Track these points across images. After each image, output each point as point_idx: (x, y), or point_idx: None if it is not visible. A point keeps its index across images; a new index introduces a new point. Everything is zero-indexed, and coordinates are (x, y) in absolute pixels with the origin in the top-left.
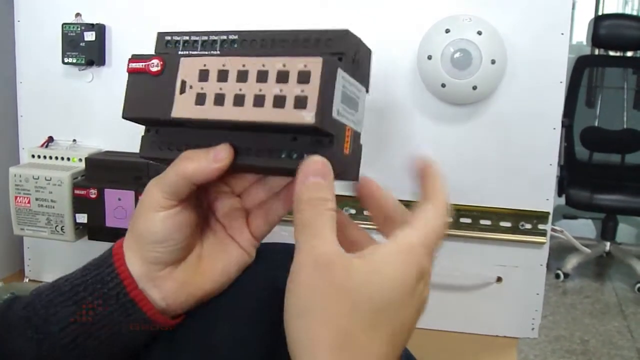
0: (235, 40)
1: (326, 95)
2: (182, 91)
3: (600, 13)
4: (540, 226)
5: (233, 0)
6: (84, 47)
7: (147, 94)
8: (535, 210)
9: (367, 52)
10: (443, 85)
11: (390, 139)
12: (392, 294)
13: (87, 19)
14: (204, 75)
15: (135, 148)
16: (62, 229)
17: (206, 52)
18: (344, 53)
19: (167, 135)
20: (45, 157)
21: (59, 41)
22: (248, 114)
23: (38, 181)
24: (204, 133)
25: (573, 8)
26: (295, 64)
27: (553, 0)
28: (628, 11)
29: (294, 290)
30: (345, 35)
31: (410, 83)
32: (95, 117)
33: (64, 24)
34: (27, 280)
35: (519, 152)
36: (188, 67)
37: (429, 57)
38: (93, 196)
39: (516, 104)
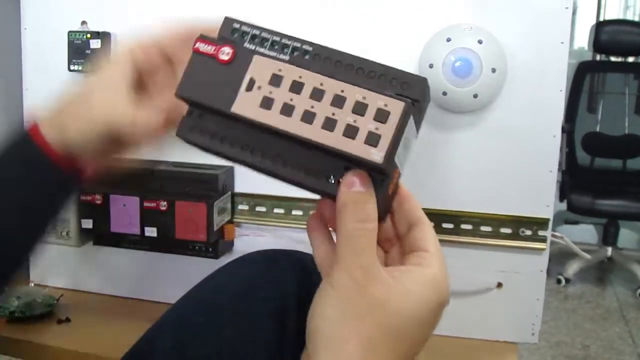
0: (309, 52)
1: (397, 139)
2: (249, 89)
3: (601, 19)
4: (541, 232)
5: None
6: (90, 54)
7: (209, 79)
8: (535, 216)
9: (428, 101)
10: (444, 94)
11: None
12: (419, 316)
13: (93, 26)
14: (276, 81)
15: (140, 154)
16: (67, 234)
17: (274, 55)
18: (418, 101)
19: (211, 123)
20: None
21: (65, 49)
22: (315, 133)
23: None
24: (251, 133)
25: (574, 14)
26: (375, 100)
27: (553, 10)
28: (629, 17)
29: (332, 294)
30: (424, 84)
31: None
32: None
33: (70, 32)
34: (32, 285)
35: (519, 159)
36: (260, 67)
37: (431, 66)
38: (98, 202)
39: (516, 112)
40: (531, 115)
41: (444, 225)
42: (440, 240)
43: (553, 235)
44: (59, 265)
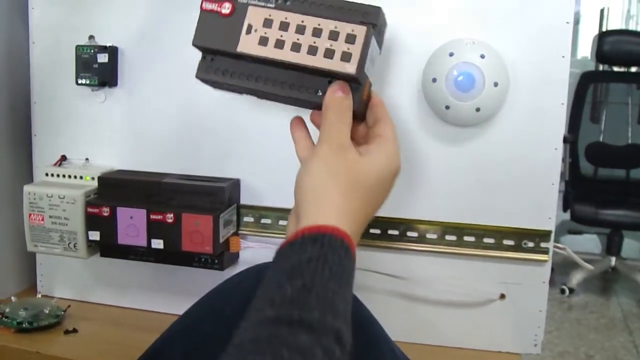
0: (290, 1)
1: (364, 54)
2: (248, 32)
3: (604, 29)
4: (543, 244)
5: None
6: (97, 68)
7: (216, 29)
8: (537, 228)
9: (386, 24)
10: (447, 107)
11: None
12: (378, 176)
13: (101, 41)
14: (268, 23)
15: (146, 167)
16: (74, 246)
17: (263, 4)
18: (376, 25)
19: (222, 64)
20: (58, 175)
21: (72, 63)
22: (302, 58)
23: (52, 199)
24: (254, 67)
25: (577, 23)
26: (345, 27)
27: (554, 24)
28: (632, 26)
29: (315, 160)
30: (379, 11)
31: (416, 105)
32: (107, 136)
33: (77, 46)
34: (39, 296)
35: (521, 172)
36: (255, 14)
37: (434, 80)
38: (105, 214)
39: (519, 125)
40: (533, 129)
41: (447, 237)
42: (443, 252)
43: (556, 246)
44: (66, 276)
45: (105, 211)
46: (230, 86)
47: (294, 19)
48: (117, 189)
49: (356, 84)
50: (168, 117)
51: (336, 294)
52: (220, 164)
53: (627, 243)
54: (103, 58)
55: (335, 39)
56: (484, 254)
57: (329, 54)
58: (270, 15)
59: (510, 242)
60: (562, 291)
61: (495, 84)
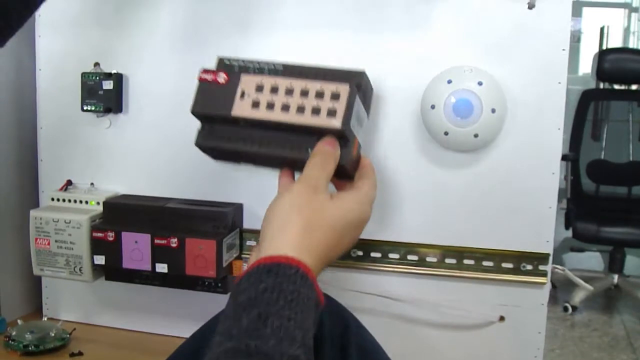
0: (279, 70)
1: (349, 110)
2: (242, 98)
3: (604, 47)
4: (541, 267)
5: (244, 50)
6: (102, 95)
7: (213, 97)
8: (535, 251)
9: (372, 90)
10: (446, 134)
11: (396, 184)
12: (350, 220)
13: (106, 68)
14: (260, 88)
15: (151, 192)
16: (80, 270)
17: (255, 73)
18: (360, 85)
19: (220, 130)
20: (64, 200)
21: (78, 89)
22: (291, 117)
23: (58, 224)
24: (249, 131)
25: (578, 41)
26: (329, 87)
27: (550, 51)
28: (634, 41)
29: (286, 194)
30: (362, 74)
31: (415, 131)
32: (112, 161)
33: (83, 73)
34: (45, 318)
35: (519, 196)
36: (247, 82)
37: (432, 107)
38: (110, 239)
39: (516, 150)
40: (530, 154)
41: (447, 260)
42: (444, 276)
43: (555, 268)
44: (71, 299)
45: (110, 236)
46: (228, 154)
47: (283, 83)
48: (122, 213)
49: (344, 139)
50: (172, 142)
51: (292, 321)
52: (223, 189)
53: (630, 260)
54: (108, 85)
55: (321, 98)
56: (484, 276)
57: (316, 111)
58: (261, 82)
59: (509, 265)
60: (565, 309)
61: (493, 111)
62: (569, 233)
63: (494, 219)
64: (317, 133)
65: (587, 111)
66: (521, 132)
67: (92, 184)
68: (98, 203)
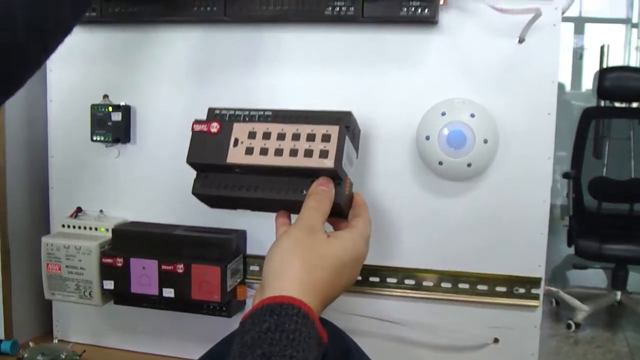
0: (270, 116)
1: (340, 150)
2: (235, 145)
3: (605, 66)
4: (534, 290)
5: (242, 90)
6: (111, 126)
7: (207, 146)
8: (528, 276)
9: (359, 130)
10: (440, 163)
11: (394, 211)
12: (346, 259)
13: (114, 100)
14: (252, 135)
15: (157, 218)
16: (90, 294)
17: (247, 120)
18: (349, 127)
19: (216, 178)
20: (74, 227)
21: (88, 120)
22: (285, 160)
23: (68, 250)
24: (244, 177)
25: (581, 58)
26: (320, 129)
27: (540, 83)
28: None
29: (284, 237)
30: (349, 116)
31: (411, 160)
32: (120, 189)
33: (92, 105)
34: (56, 341)
35: (512, 222)
36: (239, 129)
37: (427, 138)
38: (119, 265)
39: (508, 179)
40: (522, 182)
41: (443, 284)
42: (440, 299)
43: (548, 289)
44: (82, 322)
45: (119, 262)
46: (225, 200)
47: (275, 128)
48: (130, 240)
49: (337, 179)
50: (177, 171)
51: (294, 359)
52: (227, 216)
53: (633, 277)
54: (117, 116)
55: (313, 140)
56: (478, 300)
57: (309, 153)
58: (253, 129)
59: (503, 289)
60: (569, 326)
61: (485, 141)
62: (572, 250)
63: (488, 244)
64: (311, 174)
65: (589, 129)
66: (513, 162)
67: (101, 211)
68: (107, 230)
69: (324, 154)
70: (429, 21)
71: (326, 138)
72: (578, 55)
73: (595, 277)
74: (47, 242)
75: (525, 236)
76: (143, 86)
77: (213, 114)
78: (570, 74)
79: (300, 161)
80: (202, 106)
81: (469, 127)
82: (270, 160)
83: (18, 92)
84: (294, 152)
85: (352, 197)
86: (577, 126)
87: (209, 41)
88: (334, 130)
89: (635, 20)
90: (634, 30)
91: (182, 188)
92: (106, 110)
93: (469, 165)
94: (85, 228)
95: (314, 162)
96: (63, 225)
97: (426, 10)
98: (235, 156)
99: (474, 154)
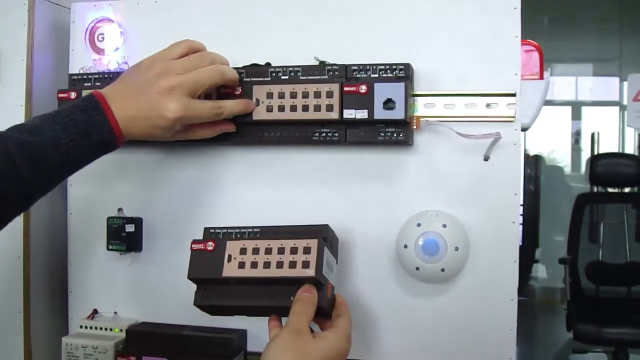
0: (258, 232)
1: (320, 260)
2: (229, 261)
3: (596, 152)
4: None
5: (237, 204)
6: (125, 236)
7: (205, 263)
8: None
9: (336, 239)
10: (417, 269)
11: (375, 310)
12: (332, 356)
13: (128, 213)
14: (243, 251)
15: (167, 319)
16: None
17: (238, 238)
18: (326, 238)
19: (214, 291)
20: (91, 327)
21: (104, 231)
22: (273, 272)
23: (86, 349)
24: (239, 288)
25: (577, 142)
26: (301, 243)
27: (504, 196)
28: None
29: (275, 340)
30: (326, 228)
31: (392, 266)
32: (133, 293)
33: (108, 217)
34: None
35: (483, 320)
36: (232, 247)
37: (405, 246)
38: None
39: (478, 281)
40: (491, 284)
41: None
42: None
43: None
44: None
45: None
46: (224, 309)
47: (263, 244)
48: (142, 340)
49: (319, 284)
50: (184, 276)
51: None
52: (230, 317)
53: (634, 359)
54: (130, 228)
55: (296, 253)
56: None
57: (293, 264)
58: (244, 245)
59: None
60: None
61: (456, 249)
62: (571, 334)
63: (461, 340)
64: (296, 282)
65: (583, 214)
66: (482, 265)
67: (115, 312)
68: (121, 330)
69: (305, 264)
70: (405, 143)
71: (307, 250)
72: (574, 140)
73: None
74: (67, 342)
75: (496, 331)
76: (153, 200)
77: (209, 233)
78: (570, 157)
79: (286, 272)
80: (201, 218)
81: (442, 237)
82: (260, 272)
83: (41, 206)
84: (280, 264)
85: (335, 298)
86: (572, 212)
87: (209, 162)
88: (313, 243)
89: (625, 102)
90: (626, 113)
91: (188, 292)
92: (121, 222)
93: (442, 270)
94: (101, 329)
95: (298, 272)
96: (81, 326)
97: (401, 135)
98: (230, 270)
99: (447, 260)
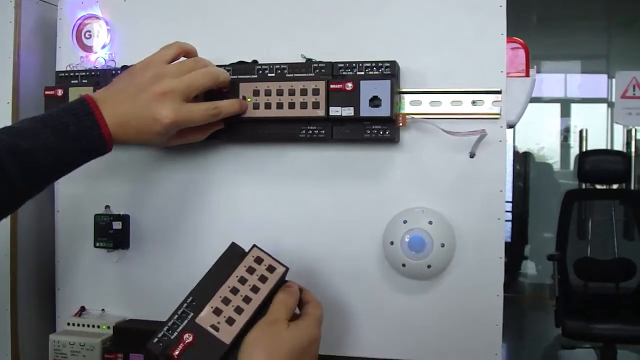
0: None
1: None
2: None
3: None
4: None
5: (225, 198)
6: (112, 234)
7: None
8: None
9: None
10: (404, 265)
11: (363, 307)
12: (304, 343)
13: (115, 210)
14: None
15: (154, 316)
16: None
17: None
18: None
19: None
20: (78, 324)
21: (91, 228)
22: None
23: (73, 346)
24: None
25: (566, 140)
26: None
27: (489, 193)
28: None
29: (254, 328)
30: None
31: (379, 263)
32: (120, 290)
33: (95, 215)
34: None
35: (468, 316)
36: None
37: (391, 243)
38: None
39: (464, 277)
40: (476, 280)
41: None
42: None
43: None
44: None
45: (120, 357)
46: None
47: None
48: (130, 337)
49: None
50: (171, 273)
51: None
52: None
53: (622, 355)
54: (117, 225)
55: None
56: None
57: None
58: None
59: None
60: None
61: (442, 245)
62: (560, 330)
63: (447, 337)
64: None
65: (572, 211)
66: (468, 262)
67: (103, 310)
68: (109, 327)
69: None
70: (391, 140)
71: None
72: (563, 138)
73: (585, 356)
74: (54, 339)
75: (482, 327)
76: (140, 197)
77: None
78: (559, 154)
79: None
80: (188, 215)
81: (428, 234)
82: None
83: (29, 205)
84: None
85: (298, 290)
86: (560, 208)
87: (196, 159)
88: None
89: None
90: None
91: (176, 288)
92: (108, 219)
93: (429, 266)
94: (88, 326)
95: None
96: (68, 324)
97: (387, 132)
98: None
99: (433, 257)
